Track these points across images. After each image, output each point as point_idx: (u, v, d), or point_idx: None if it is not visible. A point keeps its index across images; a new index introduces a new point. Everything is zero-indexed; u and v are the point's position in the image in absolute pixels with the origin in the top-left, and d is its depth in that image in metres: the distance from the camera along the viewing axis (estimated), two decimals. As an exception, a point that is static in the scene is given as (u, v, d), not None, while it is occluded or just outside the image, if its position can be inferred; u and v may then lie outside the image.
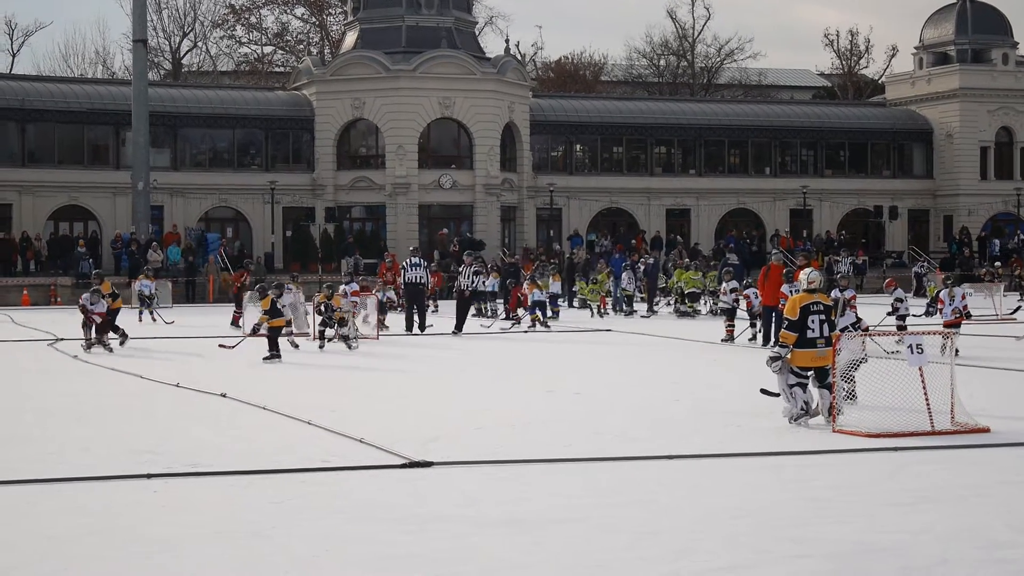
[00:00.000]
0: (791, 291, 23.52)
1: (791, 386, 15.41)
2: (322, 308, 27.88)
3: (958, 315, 26.40)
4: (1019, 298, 41.38)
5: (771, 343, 25.85)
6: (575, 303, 45.80)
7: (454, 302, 35.01)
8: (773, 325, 26.13)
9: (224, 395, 18.54)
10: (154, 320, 36.94)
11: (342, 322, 27.68)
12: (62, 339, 29.80)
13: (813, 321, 15.43)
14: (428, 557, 9.00)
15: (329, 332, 27.95)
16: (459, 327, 32.21)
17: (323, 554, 9.11)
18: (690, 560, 8.89)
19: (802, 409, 15.31)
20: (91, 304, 27.29)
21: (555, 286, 41.29)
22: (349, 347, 27.15)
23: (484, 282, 39.30)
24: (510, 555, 9.07)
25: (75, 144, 60.71)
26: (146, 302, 38.46)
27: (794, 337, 15.36)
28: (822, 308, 15.60)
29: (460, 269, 34.51)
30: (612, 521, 10.19)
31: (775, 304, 26.27)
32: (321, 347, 27.30)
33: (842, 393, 15.51)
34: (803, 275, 16.19)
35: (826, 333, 15.44)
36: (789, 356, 15.41)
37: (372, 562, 8.90)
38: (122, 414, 17.06)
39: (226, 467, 12.54)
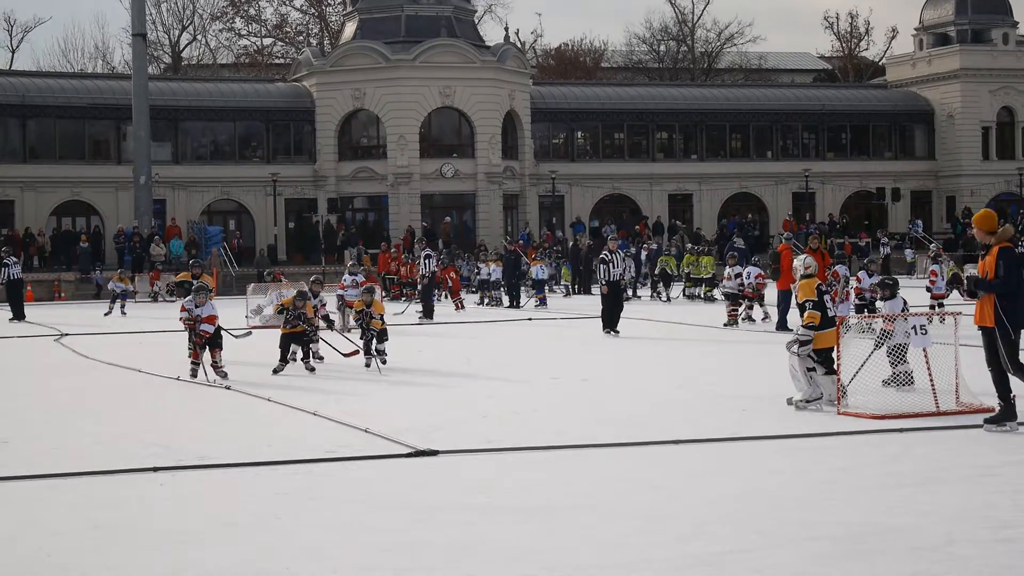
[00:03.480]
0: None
1: (810, 370, 15.31)
2: (287, 314, 21.24)
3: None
4: None
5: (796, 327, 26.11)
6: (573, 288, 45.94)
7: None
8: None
9: (228, 387, 18.56)
10: (123, 314, 37.77)
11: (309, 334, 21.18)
12: (67, 334, 29.81)
13: (828, 301, 15.55)
14: (437, 544, 9.01)
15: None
16: (613, 323, 27.34)
17: (331, 543, 9.12)
18: (698, 544, 8.90)
19: (819, 395, 15.23)
20: (196, 308, 19.94)
21: (537, 270, 41.16)
22: (309, 366, 20.97)
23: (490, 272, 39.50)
24: (520, 542, 9.08)
25: (76, 139, 60.79)
26: (117, 298, 39.00)
27: (819, 316, 15.31)
28: (825, 288, 15.78)
29: (606, 256, 27.96)
30: (620, 507, 10.20)
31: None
32: (277, 370, 20.58)
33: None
34: (798, 261, 16.15)
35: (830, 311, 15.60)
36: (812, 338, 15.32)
37: (380, 550, 8.91)
38: (127, 408, 17.07)
39: (232, 459, 12.55)
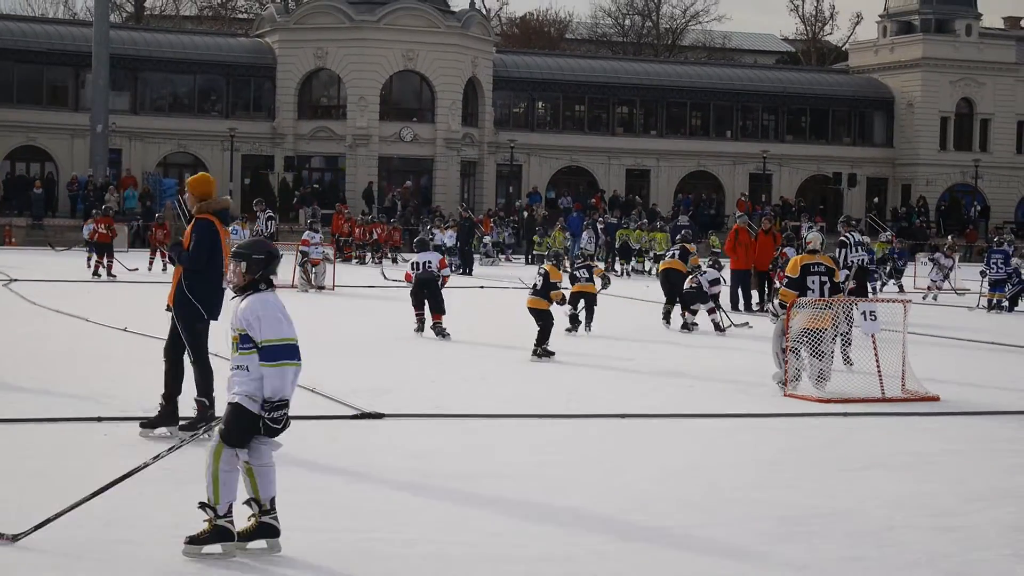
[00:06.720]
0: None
1: (784, 350, 15.14)
2: None
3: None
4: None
5: (742, 306, 26.36)
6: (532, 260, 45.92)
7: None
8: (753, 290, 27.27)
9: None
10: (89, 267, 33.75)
11: None
12: (15, 280, 29.57)
13: (813, 281, 15.28)
14: (379, 508, 8.98)
15: None
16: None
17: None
18: (640, 519, 8.91)
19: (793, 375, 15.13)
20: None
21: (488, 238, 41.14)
22: None
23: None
24: (462, 508, 9.07)
25: (34, 84, 60.13)
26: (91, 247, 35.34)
27: (794, 295, 15.17)
28: (824, 269, 15.45)
29: (846, 239, 23.33)
30: (564, 477, 10.21)
31: (747, 268, 27.20)
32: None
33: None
34: (810, 235, 16.21)
35: (827, 295, 15.30)
36: (786, 316, 15.13)
37: (322, 512, 8.87)
38: (73, 357, 16.94)
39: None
